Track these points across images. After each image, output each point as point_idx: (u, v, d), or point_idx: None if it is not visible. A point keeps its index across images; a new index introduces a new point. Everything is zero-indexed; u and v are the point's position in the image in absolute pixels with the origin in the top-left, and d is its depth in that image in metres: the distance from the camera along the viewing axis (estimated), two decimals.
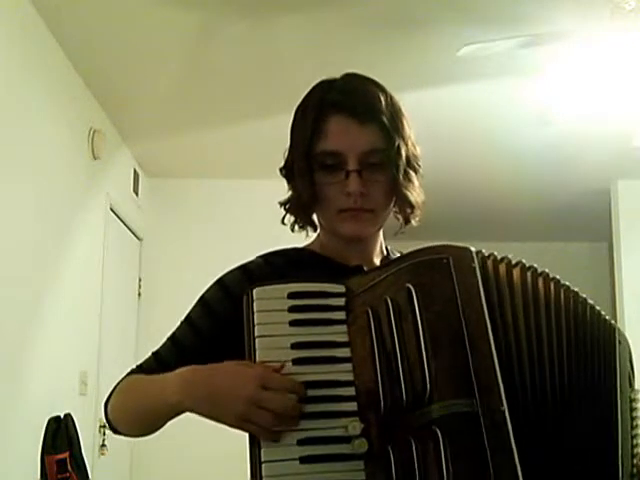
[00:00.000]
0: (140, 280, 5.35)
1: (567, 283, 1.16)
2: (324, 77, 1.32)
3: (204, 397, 1.07)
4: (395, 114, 1.25)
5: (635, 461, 1.14)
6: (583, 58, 3.41)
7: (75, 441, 3.42)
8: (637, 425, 1.17)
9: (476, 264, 1.08)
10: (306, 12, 3.25)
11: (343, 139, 1.22)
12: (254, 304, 1.08)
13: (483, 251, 1.11)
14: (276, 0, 3.19)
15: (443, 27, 3.36)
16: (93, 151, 4.06)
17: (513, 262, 1.13)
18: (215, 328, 1.25)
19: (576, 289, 1.17)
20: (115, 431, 1.29)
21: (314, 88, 1.30)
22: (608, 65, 3.43)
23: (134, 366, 1.31)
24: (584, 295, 1.17)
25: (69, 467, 3.30)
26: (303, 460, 1.01)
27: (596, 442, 1.10)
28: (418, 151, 1.29)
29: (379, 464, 1.00)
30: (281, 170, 1.31)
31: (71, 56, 3.62)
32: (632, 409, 1.17)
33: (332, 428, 1.02)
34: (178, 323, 1.31)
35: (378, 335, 1.05)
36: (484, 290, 1.07)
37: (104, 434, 4.23)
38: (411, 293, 1.04)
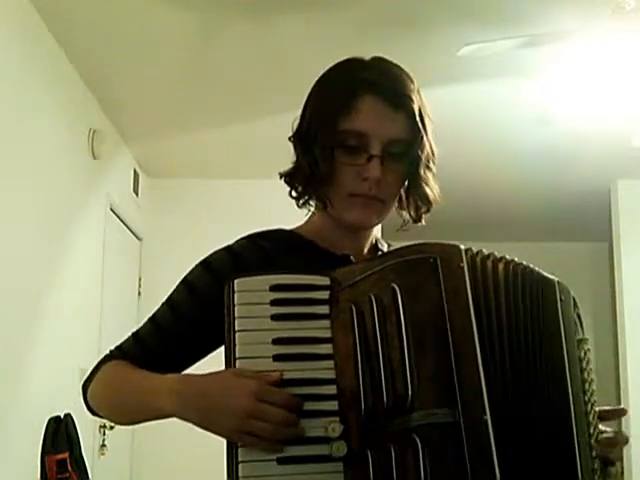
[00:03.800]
0: (140, 280, 5.35)
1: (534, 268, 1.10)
2: None
3: (198, 410, 1.04)
4: (422, 106, 1.21)
5: (594, 453, 1.08)
6: (583, 58, 3.41)
7: (75, 441, 3.41)
8: (588, 379, 1.12)
9: (464, 263, 1.03)
10: (306, 12, 3.25)
11: (373, 121, 1.16)
12: (235, 296, 1.04)
13: (472, 248, 1.06)
14: (277, 0, 3.19)
15: (443, 27, 3.36)
16: (93, 151, 4.06)
17: (498, 256, 1.08)
18: (197, 309, 1.20)
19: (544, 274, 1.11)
20: (94, 414, 1.27)
21: (343, 64, 1.24)
22: (608, 65, 3.43)
23: (113, 347, 1.27)
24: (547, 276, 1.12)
25: (69, 467, 3.29)
26: (281, 461, 0.98)
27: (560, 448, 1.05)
28: (435, 150, 1.23)
29: (358, 468, 0.98)
30: (291, 138, 1.23)
31: (71, 56, 3.62)
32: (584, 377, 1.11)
33: (311, 428, 0.99)
34: (159, 305, 1.26)
35: (361, 334, 1.01)
36: (471, 291, 1.02)
37: (104, 434, 4.23)
38: (396, 293, 1.00)
